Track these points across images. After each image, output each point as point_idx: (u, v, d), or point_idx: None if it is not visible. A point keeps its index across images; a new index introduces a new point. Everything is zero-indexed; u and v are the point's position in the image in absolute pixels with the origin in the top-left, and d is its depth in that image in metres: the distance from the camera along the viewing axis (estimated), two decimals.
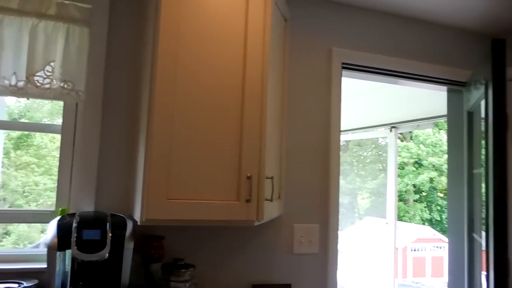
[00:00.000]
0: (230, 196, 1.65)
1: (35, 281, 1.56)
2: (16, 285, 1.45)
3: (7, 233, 5.81)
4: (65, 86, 1.75)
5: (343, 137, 4.36)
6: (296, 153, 2.14)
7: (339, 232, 2.24)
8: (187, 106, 1.60)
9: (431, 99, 3.25)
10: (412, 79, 2.46)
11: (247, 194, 1.65)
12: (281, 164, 2.04)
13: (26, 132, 6.04)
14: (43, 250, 1.59)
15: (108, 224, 1.53)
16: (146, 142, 1.56)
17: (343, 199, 4.68)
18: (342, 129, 2.27)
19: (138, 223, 1.57)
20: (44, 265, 1.51)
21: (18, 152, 6.23)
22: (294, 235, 2.10)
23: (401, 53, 2.41)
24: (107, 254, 1.45)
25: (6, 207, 4.28)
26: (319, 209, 2.16)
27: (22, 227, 5.82)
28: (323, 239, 2.16)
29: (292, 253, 2.10)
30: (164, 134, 1.56)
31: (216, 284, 1.94)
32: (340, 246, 2.27)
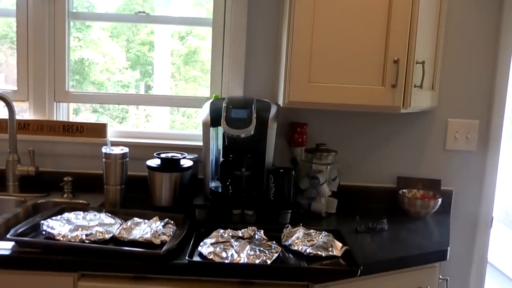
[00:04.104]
0: (374, 81, 1.58)
1: (195, 155, 1.79)
2: (180, 155, 1.69)
3: None
4: None
5: None
6: (456, 41, 1.89)
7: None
8: None
9: None
10: None
11: (393, 79, 1.56)
12: (437, 51, 1.82)
13: (192, 49, 6.64)
14: None
15: (253, 105, 1.62)
16: (288, 27, 1.57)
17: None
18: None
19: (281, 106, 1.64)
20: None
21: (187, 67, 6.96)
22: (447, 130, 1.93)
23: None
24: (252, 131, 1.56)
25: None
26: (481, 105, 1.92)
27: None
28: (483, 137, 1.93)
29: (444, 149, 1.94)
30: (306, 18, 1.55)
31: (359, 171, 1.93)
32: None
